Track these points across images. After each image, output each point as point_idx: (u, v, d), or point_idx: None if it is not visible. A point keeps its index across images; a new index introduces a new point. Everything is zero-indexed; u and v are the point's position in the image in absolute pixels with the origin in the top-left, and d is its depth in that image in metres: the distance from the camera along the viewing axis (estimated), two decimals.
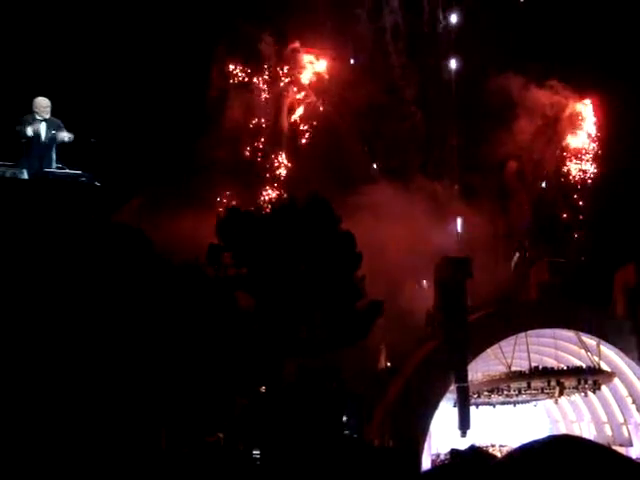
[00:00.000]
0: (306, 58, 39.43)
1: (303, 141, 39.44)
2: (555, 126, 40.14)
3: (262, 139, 39.16)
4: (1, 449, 13.07)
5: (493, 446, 31.65)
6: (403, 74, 39.09)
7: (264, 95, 39.26)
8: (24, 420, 13.35)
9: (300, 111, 39.50)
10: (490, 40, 38.06)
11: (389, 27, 39.41)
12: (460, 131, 39.72)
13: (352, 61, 39.58)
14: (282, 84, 39.29)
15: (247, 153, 39.00)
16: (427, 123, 39.32)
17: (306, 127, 39.48)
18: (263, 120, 39.32)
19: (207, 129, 36.61)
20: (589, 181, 40.67)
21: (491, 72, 38.28)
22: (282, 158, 39.10)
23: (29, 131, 15.48)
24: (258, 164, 38.97)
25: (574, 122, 40.47)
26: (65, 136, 15.75)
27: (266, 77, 39.26)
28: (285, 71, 39.32)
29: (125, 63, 33.88)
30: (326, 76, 39.49)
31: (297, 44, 39.22)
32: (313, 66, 39.62)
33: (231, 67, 38.91)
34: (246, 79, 39.17)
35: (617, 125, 38.70)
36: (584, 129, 41.07)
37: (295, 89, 39.45)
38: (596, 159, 40.81)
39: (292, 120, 39.48)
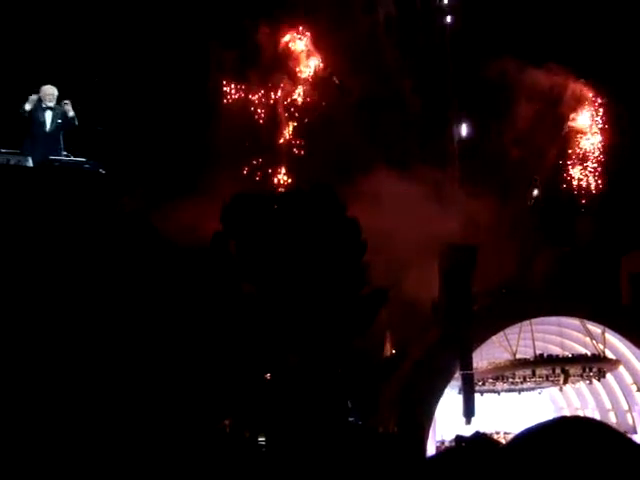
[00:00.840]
0: (301, 48, 38.97)
1: (303, 139, 38.89)
2: (556, 110, 39.65)
3: (260, 159, 38.50)
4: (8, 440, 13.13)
5: (497, 433, 31.68)
6: (400, 65, 38.79)
7: (261, 111, 38.66)
8: (33, 399, 13.41)
9: (298, 106, 39.02)
10: (485, 23, 37.96)
11: (383, 16, 39.09)
12: (460, 118, 39.54)
13: (349, 53, 39.03)
14: (281, 85, 38.77)
15: (244, 172, 38.39)
16: (426, 112, 39.08)
17: (305, 121, 38.99)
18: (261, 123, 38.71)
19: (208, 117, 36.42)
20: (594, 190, 40.19)
21: (487, 56, 38.04)
22: (281, 175, 38.49)
23: (27, 106, 15.48)
24: (257, 183, 38.30)
25: (575, 107, 39.98)
26: (70, 111, 15.72)
27: (261, 95, 38.55)
28: (281, 69, 38.77)
29: (127, 52, 33.85)
30: (321, 65, 39.11)
31: (292, 35, 38.75)
32: (309, 58, 39.18)
33: (225, 88, 38.34)
34: (242, 95, 38.54)
35: (621, 110, 38.43)
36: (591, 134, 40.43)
37: (287, 95, 38.87)
38: (602, 165, 40.22)
39: (290, 121, 38.92)
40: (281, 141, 38.68)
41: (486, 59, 37.95)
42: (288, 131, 38.63)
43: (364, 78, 38.18)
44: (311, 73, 39.07)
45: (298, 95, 38.73)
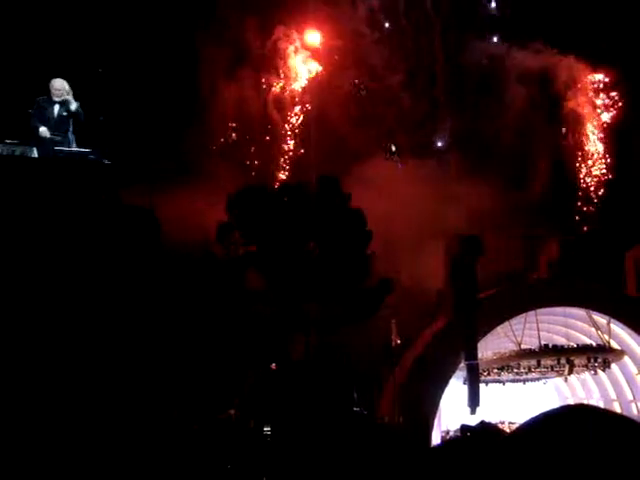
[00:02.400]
0: (291, 44, 38.57)
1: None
2: (551, 91, 39.12)
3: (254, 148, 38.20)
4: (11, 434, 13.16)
5: (502, 423, 31.73)
6: (389, 57, 38.47)
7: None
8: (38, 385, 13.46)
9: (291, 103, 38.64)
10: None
11: (366, 10, 38.81)
12: (453, 106, 39.28)
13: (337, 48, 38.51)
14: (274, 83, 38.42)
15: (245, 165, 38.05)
16: (419, 103, 38.83)
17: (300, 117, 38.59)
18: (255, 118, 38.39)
19: (202, 113, 36.29)
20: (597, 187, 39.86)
21: (472, 39, 37.77)
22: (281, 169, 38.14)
23: (40, 128, 15.47)
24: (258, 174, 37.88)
25: (570, 86, 39.35)
26: (72, 103, 15.66)
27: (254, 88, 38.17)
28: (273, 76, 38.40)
29: (130, 42, 33.82)
30: (310, 58, 38.80)
31: (281, 31, 38.34)
32: (301, 55, 38.79)
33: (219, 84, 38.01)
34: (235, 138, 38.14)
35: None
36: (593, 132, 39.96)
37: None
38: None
39: (285, 117, 38.57)
40: (280, 136, 38.52)
41: (474, 41, 37.74)
42: (284, 125, 38.46)
43: (354, 72, 37.99)
44: (305, 70, 38.82)
45: (289, 91, 38.52)
